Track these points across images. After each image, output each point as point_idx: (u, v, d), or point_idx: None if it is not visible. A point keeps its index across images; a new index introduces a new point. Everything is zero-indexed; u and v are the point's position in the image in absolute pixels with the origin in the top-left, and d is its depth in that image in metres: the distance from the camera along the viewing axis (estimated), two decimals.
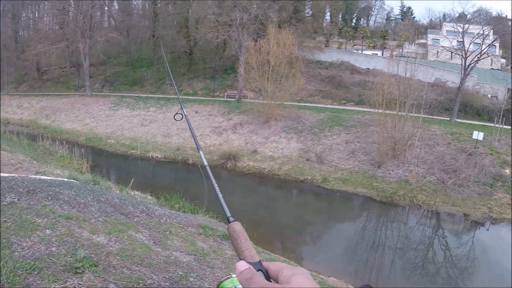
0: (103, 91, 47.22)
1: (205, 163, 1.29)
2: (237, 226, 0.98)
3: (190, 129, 1.57)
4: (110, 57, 54.05)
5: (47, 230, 4.54)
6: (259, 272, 0.91)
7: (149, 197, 11.87)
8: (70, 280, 3.54)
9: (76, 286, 3.48)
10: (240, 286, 1.16)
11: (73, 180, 8.49)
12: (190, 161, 27.28)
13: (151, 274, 4.47)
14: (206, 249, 6.79)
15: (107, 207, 6.72)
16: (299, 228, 17.71)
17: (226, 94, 41.99)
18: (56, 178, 8.37)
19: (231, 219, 1.00)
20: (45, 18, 57.39)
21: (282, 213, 19.48)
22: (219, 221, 10.84)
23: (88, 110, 39.19)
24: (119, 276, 4.02)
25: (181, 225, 7.85)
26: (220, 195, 1.12)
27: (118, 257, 4.55)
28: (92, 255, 4.27)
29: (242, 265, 0.88)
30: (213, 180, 1.19)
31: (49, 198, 5.97)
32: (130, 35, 53.38)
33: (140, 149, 29.03)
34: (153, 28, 49.43)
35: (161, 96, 42.02)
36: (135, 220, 6.85)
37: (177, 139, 31.08)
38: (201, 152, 1.37)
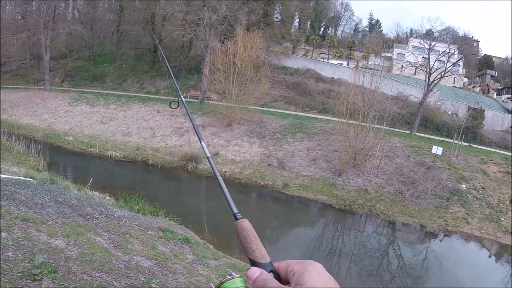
0: (63, 86, 45.91)
1: (208, 154, 1.18)
2: (246, 224, 0.93)
3: (190, 119, 1.45)
4: (72, 50, 52.66)
5: (3, 233, 4.30)
6: (271, 273, 0.86)
7: (107, 197, 11.56)
8: None
9: None
10: (243, 286, 1.08)
11: (29, 179, 8.16)
12: (150, 162, 26.87)
13: (113, 281, 4.30)
14: (167, 253, 6.66)
15: (65, 208, 6.47)
16: (258, 233, 17.62)
17: (189, 94, 41.64)
18: (12, 177, 8.01)
19: (238, 215, 0.95)
20: (7, 7, 55.40)
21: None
22: (179, 224, 10.70)
23: (47, 105, 37.98)
24: (79, 283, 3.83)
25: (141, 228, 7.67)
26: (226, 189, 1.07)
27: (77, 263, 4.36)
28: (51, 261, 4.06)
29: (254, 272, 0.83)
30: (218, 173, 1.12)
31: (5, 198, 5.69)
32: (93, 29, 52.14)
33: (99, 148, 28.29)
34: (118, 22, 48.55)
35: (122, 93, 41.27)
36: (94, 222, 6.62)
37: (137, 138, 30.57)
38: (203, 143, 1.26)
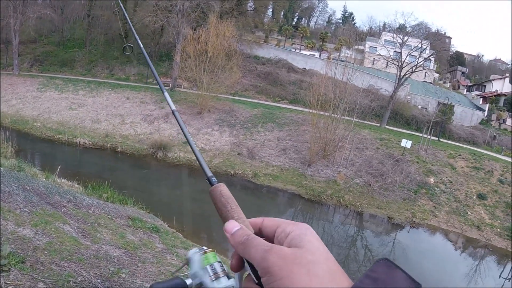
0: (31, 71, 44.67)
1: (173, 107, 1.10)
2: (223, 189, 0.81)
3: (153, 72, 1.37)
4: (41, 35, 51.20)
5: None
6: None
7: (76, 185, 11.36)
8: None
9: (3, 285, 3.24)
10: (217, 263, 1.06)
11: None
12: (119, 149, 26.58)
13: (81, 271, 4.26)
14: (137, 242, 6.62)
15: (33, 196, 6.35)
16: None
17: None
18: None
19: (213, 179, 0.82)
20: None
21: (211, 206, 19.29)
22: (148, 213, 10.63)
23: (15, 91, 36.94)
24: (48, 274, 3.78)
25: (110, 216, 7.59)
26: (197, 149, 0.92)
27: (46, 252, 4.30)
28: (19, 250, 4.00)
29: (232, 225, 0.75)
30: (186, 130, 0.99)
31: None
32: (64, 13, 50.76)
33: (68, 134, 27.77)
34: (89, 7, 47.48)
35: (91, 79, 40.50)
36: (62, 210, 6.52)
37: (106, 125, 30.14)
38: (165, 94, 1.18)
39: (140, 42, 1.43)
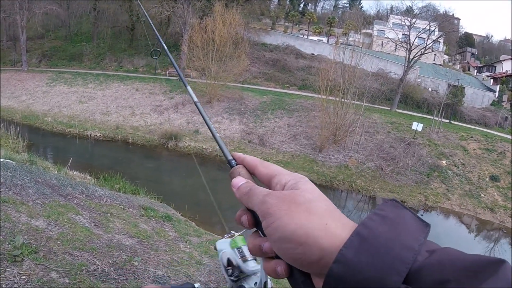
0: (40, 67, 44.85)
1: (195, 99, 1.10)
2: (243, 171, 0.77)
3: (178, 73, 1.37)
4: (49, 30, 51.31)
5: None
6: None
7: (88, 177, 11.44)
8: (9, 269, 3.32)
9: (16, 275, 3.28)
10: (244, 246, 1.06)
11: (9, 161, 8.03)
12: (130, 140, 26.73)
13: (94, 259, 4.30)
14: (149, 231, 6.67)
15: (45, 188, 6.42)
16: (239, 209, 17.77)
17: (168, 72, 41.08)
18: None
19: (233, 162, 0.79)
20: None
21: (223, 195, 19.46)
22: (161, 202, 10.69)
23: (25, 86, 37.19)
24: (61, 263, 3.83)
25: (122, 207, 7.65)
26: (217, 135, 0.93)
27: (58, 242, 4.35)
28: (32, 241, 4.05)
29: (238, 180, 0.73)
30: (207, 118, 0.99)
31: None
32: (70, 8, 50.86)
33: (78, 128, 27.97)
34: (94, 1, 47.49)
35: (100, 72, 40.61)
36: (75, 201, 6.58)
37: (116, 117, 30.28)
38: (188, 87, 1.19)
39: (164, 45, 1.46)
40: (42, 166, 9.43)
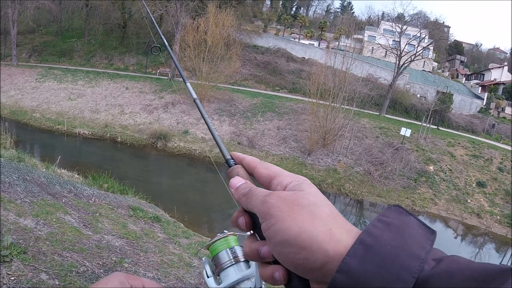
0: (30, 61, 44.35)
1: (194, 95, 1.06)
2: (241, 171, 0.74)
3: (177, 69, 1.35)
4: (40, 25, 50.91)
5: None
6: None
7: (76, 176, 11.34)
8: None
9: (5, 276, 3.23)
10: (238, 246, 1.04)
11: None
12: (119, 139, 26.53)
13: (84, 261, 4.25)
14: (138, 232, 6.63)
15: (33, 186, 6.35)
16: (228, 211, 17.77)
17: (158, 71, 40.95)
18: None
19: (231, 162, 0.77)
20: None
21: (212, 196, 19.43)
22: (149, 202, 10.64)
23: (14, 81, 36.74)
24: (50, 264, 3.78)
25: (110, 207, 7.61)
26: (216, 133, 0.90)
27: (47, 243, 4.29)
28: (20, 241, 3.99)
29: (237, 181, 0.70)
30: (206, 115, 0.95)
31: None
32: (62, 3, 50.44)
33: (67, 125, 27.66)
34: None
35: (90, 69, 40.29)
36: (63, 200, 6.53)
37: (105, 115, 30.06)
38: (188, 84, 1.15)
39: (166, 42, 1.45)
40: (30, 163, 9.35)
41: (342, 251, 0.50)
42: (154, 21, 1.79)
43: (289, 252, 0.55)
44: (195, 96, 1.03)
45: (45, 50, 47.46)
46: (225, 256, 1.05)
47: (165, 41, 1.47)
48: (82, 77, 36.78)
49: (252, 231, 0.67)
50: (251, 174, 0.73)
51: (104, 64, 43.75)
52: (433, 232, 0.51)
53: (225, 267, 1.04)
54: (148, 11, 1.86)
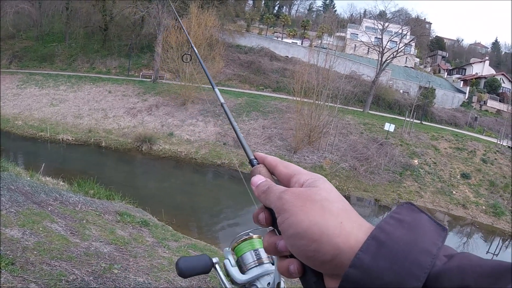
0: (10, 68, 43.64)
1: (222, 100, 1.09)
2: (263, 170, 0.79)
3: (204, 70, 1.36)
4: (20, 30, 50.20)
5: None
6: None
7: (61, 183, 11.19)
8: None
9: None
10: (261, 248, 1.04)
11: None
12: (103, 144, 26.29)
13: (73, 269, 4.22)
14: (127, 237, 6.58)
15: (18, 195, 6.27)
16: (217, 212, 17.77)
17: (141, 73, 40.76)
18: None
19: (254, 161, 0.82)
20: None
21: (199, 198, 19.39)
22: (136, 207, 10.57)
23: None
24: (39, 274, 3.74)
25: (97, 213, 7.53)
26: (241, 135, 0.97)
27: (35, 252, 4.25)
28: (8, 252, 3.94)
29: (258, 178, 0.74)
30: (232, 119, 1.02)
31: None
32: (42, 7, 49.67)
33: (50, 131, 27.31)
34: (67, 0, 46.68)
35: (72, 73, 39.91)
36: (49, 209, 6.45)
37: (88, 120, 29.77)
38: (216, 89, 1.18)
39: (196, 50, 1.47)
40: (14, 172, 9.21)
41: (352, 245, 0.52)
42: (183, 25, 1.79)
43: (301, 244, 0.57)
44: (222, 100, 1.08)
45: (25, 55, 46.81)
46: (249, 258, 1.07)
47: (195, 49, 1.47)
48: (64, 82, 36.39)
49: (272, 227, 0.70)
50: (272, 173, 0.77)
51: (86, 68, 43.38)
52: (444, 229, 0.52)
53: (250, 267, 1.06)
54: (180, 20, 1.86)
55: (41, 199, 6.78)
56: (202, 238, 11.97)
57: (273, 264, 1.04)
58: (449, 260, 0.48)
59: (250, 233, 1.05)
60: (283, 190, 0.65)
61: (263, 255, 1.05)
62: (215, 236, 15.13)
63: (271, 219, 0.69)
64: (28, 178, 8.92)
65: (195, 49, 1.47)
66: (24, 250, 4.18)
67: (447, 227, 0.50)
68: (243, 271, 1.10)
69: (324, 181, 0.65)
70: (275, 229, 0.68)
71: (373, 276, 0.48)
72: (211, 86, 1.18)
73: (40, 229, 5.14)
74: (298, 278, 0.63)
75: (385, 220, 0.53)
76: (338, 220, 0.56)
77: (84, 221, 6.58)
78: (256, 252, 1.06)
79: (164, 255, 6.16)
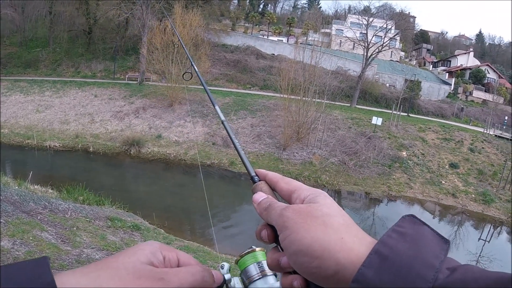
0: None
1: (222, 117, 1.09)
2: (264, 186, 0.79)
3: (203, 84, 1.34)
4: (3, 36, 49.56)
5: None
6: None
7: (50, 190, 11.10)
8: None
9: None
10: (265, 260, 1.05)
11: None
12: (91, 149, 26.04)
13: None
14: (118, 242, 6.57)
15: (7, 205, 6.20)
16: (208, 213, 17.72)
17: (127, 76, 40.42)
18: None
19: (256, 178, 0.82)
20: None
21: (190, 199, 19.33)
22: (127, 211, 10.54)
23: None
24: None
25: (88, 219, 7.50)
26: (242, 152, 0.93)
27: None
28: None
29: (259, 196, 0.74)
30: (233, 136, 0.99)
31: None
32: (25, 12, 48.97)
33: (37, 138, 26.91)
34: (50, 3, 46.07)
35: (57, 79, 39.43)
36: (39, 217, 6.41)
37: (75, 125, 29.46)
38: (216, 107, 1.16)
39: (196, 68, 1.48)
40: (2, 181, 9.14)
41: (353, 260, 0.52)
42: (183, 44, 1.77)
43: (304, 261, 0.57)
44: (223, 118, 1.07)
45: (9, 62, 46.06)
46: (252, 270, 1.07)
47: (195, 68, 1.47)
48: (49, 87, 35.96)
49: (275, 243, 0.70)
50: (274, 189, 0.77)
51: (71, 72, 42.91)
52: (446, 242, 0.52)
53: (253, 280, 1.06)
54: (181, 39, 1.85)
55: (30, 208, 6.73)
56: (195, 240, 11.97)
57: (276, 276, 1.04)
58: (452, 273, 0.48)
59: (253, 246, 1.05)
60: (284, 207, 0.65)
61: (266, 267, 1.05)
62: (208, 237, 15.10)
63: (274, 236, 0.69)
64: (16, 187, 8.84)
65: (195, 67, 1.46)
66: (15, 261, 4.13)
67: (449, 239, 0.52)
68: (246, 285, 1.10)
69: (325, 196, 0.66)
70: (278, 246, 0.68)
71: None
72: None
73: (30, 238, 5.10)
74: None
75: (388, 233, 0.53)
76: (339, 236, 0.56)
77: (75, 228, 6.55)
78: (259, 265, 1.06)
79: None
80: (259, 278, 1.07)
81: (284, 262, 0.64)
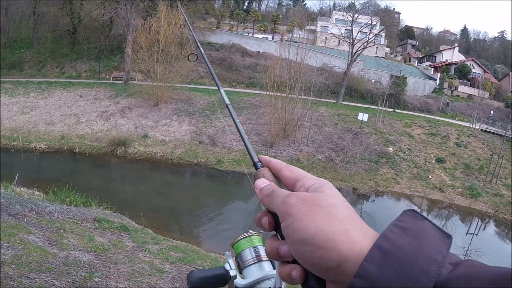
0: None
1: (227, 101, 1.08)
2: (267, 173, 0.77)
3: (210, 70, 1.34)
4: None
5: None
6: None
7: (36, 193, 11.01)
8: None
9: None
10: (261, 246, 1.06)
11: None
12: (77, 150, 25.85)
13: (53, 280, 4.18)
14: (106, 243, 6.54)
15: None
16: (196, 212, 17.71)
17: (112, 76, 40.13)
18: None
19: (259, 164, 0.80)
20: None
21: (177, 198, 19.31)
22: (115, 212, 10.49)
23: None
24: None
25: (75, 221, 7.47)
26: (245, 136, 0.95)
27: (13, 266, 4.20)
28: None
29: (261, 182, 0.73)
30: (237, 120, 1.01)
31: None
32: (8, 13, 48.31)
33: (22, 140, 26.62)
34: (34, 4, 45.54)
35: (42, 79, 39.02)
36: (25, 220, 6.37)
37: (61, 126, 29.21)
38: (221, 90, 1.17)
39: (202, 50, 1.50)
40: None
41: (357, 252, 0.52)
42: (193, 34, 1.78)
43: (306, 250, 0.56)
44: (227, 101, 1.07)
45: None
46: (248, 255, 1.09)
47: (201, 50, 1.48)
48: (34, 88, 35.60)
49: (275, 231, 0.69)
50: (277, 177, 0.75)
51: (55, 73, 42.50)
52: (448, 236, 0.51)
53: (248, 264, 1.08)
54: (190, 28, 1.86)
55: (16, 210, 6.69)
56: (183, 239, 11.95)
57: (272, 262, 1.06)
58: (455, 268, 0.47)
59: (250, 231, 1.07)
60: (288, 194, 0.64)
61: (262, 252, 1.07)
62: (197, 236, 15.12)
63: (275, 223, 0.68)
64: (2, 190, 8.78)
65: (201, 49, 1.47)
66: (2, 265, 4.14)
67: (452, 234, 0.52)
68: (241, 269, 1.12)
69: (330, 186, 0.65)
70: (278, 234, 0.68)
71: (378, 286, 0.47)
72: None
73: (17, 241, 5.08)
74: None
75: (389, 228, 0.53)
76: (344, 227, 0.56)
77: (62, 230, 6.52)
78: (255, 249, 1.08)
79: (145, 259, 6.15)
80: (254, 263, 1.10)
81: (284, 250, 0.63)
